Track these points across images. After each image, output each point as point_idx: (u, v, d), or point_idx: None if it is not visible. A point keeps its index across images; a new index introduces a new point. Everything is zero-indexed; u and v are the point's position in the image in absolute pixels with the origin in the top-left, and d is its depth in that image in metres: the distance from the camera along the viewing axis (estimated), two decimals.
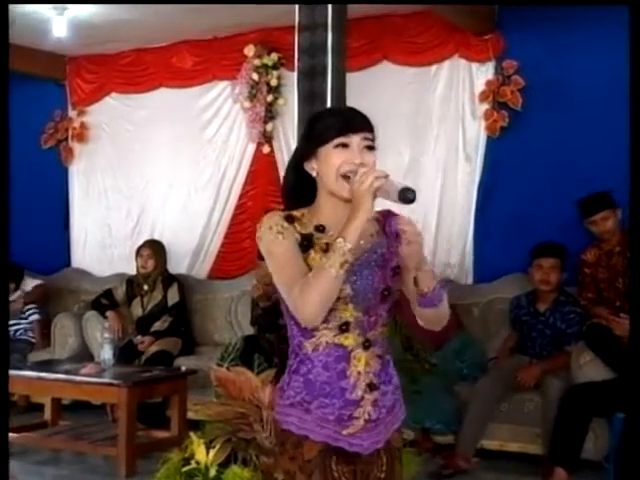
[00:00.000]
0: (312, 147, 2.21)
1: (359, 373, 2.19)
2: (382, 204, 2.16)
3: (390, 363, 2.29)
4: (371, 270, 2.20)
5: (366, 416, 2.19)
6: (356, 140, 2.17)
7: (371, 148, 2.19)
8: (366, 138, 2.19)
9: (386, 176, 2.09)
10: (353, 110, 2.31)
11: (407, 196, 2.04)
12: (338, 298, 2.14)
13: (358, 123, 2.20)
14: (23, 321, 7.20)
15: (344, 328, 2.18)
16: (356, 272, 2.17)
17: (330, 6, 4.44)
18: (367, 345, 2.20)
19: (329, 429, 2.18)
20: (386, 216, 2.30)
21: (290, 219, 2.20)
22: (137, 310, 6.68)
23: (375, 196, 2.08)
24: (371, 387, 2.20)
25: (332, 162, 2.17)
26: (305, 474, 2.18)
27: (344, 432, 2.18)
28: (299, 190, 2.27)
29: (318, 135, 2.21)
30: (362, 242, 2.19)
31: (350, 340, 2.19)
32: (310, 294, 2.07)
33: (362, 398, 2.19)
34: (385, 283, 2.21)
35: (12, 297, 7.13)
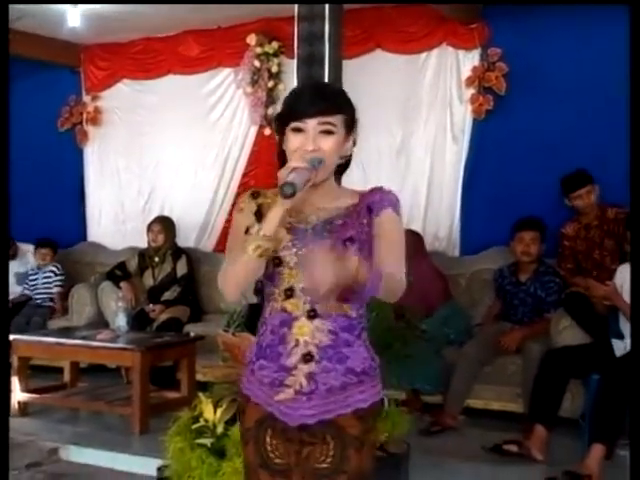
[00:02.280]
0: (278, 128, 2.07)
1: (297, 341, 2.00)
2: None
3: (354, 345, 2.02)
4: (322, 239, 1.99)
5: (297, 386, 1.99)
6: (312, 124, 1.98)
7: (329, 132, 1.99)
8: (324, 122, 1.98)
9: (300, 168, 1.92)
10: (317, 91, 2.09)
11: (281, 191, 1.90)
12: (282, 263, 2.01)
13: (315, 107, 1.98)
14: (52, 289, 7.16)
15: (289, 294, 2.01)
16: (302, 240, 2.01)
17: None
18: (312, 315, 2.00)
19: (264, 392, 2.04)
20: (370, 192, 2.09)
21: (255, 194, 2.11)
22: (148, 281, 6.64)
23: None
24: (306, 358, 1.99)
25: (290, 144, 2.01)
26: (244, 441, 2.10)
27: (275, 398, 2.02)
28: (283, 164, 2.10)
29: (280, 117, 2.07)
30: (321, 213, 2.05)
31: (293, 306, 2.01)
32: (229, 272, 1.99)
33: (295, 367, 2.00)
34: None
35: (48, 268, 7.17)
